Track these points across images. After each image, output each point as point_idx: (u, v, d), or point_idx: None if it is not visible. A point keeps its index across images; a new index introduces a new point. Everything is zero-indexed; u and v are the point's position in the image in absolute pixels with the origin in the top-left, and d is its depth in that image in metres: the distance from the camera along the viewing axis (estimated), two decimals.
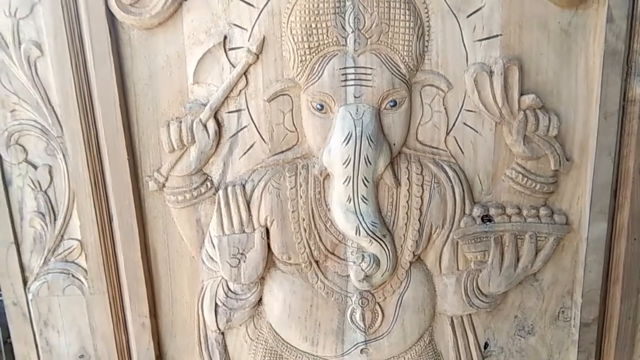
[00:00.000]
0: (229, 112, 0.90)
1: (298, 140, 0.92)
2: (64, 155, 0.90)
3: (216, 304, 0.97)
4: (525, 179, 0.91)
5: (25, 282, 0.96)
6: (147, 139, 0.92)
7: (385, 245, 0.92)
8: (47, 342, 0.99)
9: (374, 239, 0.91)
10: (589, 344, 0.99)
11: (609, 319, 0.99)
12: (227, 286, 0.96)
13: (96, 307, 0.97)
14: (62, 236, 0.94)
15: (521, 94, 0.88)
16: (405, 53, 0.85)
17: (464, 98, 0.89)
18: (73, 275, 0.96)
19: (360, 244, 0.92)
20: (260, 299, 0.99)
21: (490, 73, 0.87)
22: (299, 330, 0.98)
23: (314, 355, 1.00)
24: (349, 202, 0.89)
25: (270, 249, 0.95)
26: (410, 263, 0.95)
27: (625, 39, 0.86)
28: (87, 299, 0.97)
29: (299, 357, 1.00)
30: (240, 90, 0.89)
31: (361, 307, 0.96)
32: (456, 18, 0.85)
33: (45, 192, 0.92)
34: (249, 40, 0.86)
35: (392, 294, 0.97)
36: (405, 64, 0.86)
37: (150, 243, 0.96)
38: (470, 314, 0.99)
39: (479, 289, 0.96)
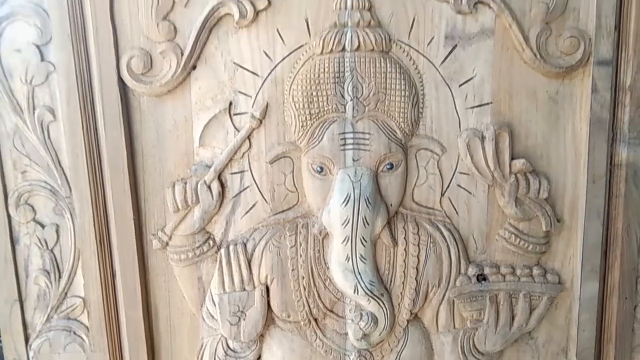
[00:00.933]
0: (232, 173, 0.95)
1: (298, 200, 0.96)
2: (71, 215, 0.94)
3: None
4: (518, 239, 0.96)
5: (27, 339, 0.98)
6: (152, 199, 0.96)
7: (383, 303, 0.95)
8: None
9: (372, 297, 0.94)
10: None
11: None
12: (227, 344, 0.99)
13: None
14: (65, 294, 0.97)
15: (512, 158, 0.93)
16: (401, 119, 0.91)
17: (458, 161, 0.94)
18: (75, 333, 0.98)
19: (358, 302, 0.95)
20: (259, 358, 1.01)
21: (482, 138, 0.93)
22: None
23: None
24: (348, 261, 0.93)
25: (270, 307, 0.97)
26: (408, 321, 0.98)
27: (610, 107, 0.92)
28: (87, 356, 0.99)
29: None
30: (244, 153, 0.94)
31: None
32: (449, 87, 0.91)
33: (52, 250, 0.96)
34: (253, 107, 0.92)
35: (390, 353, 0.99)
36: (401, 129, 0.91)
37: (152, 301, 0.99)
38: None
39: (475, 347, 0.99)
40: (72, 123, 0.91)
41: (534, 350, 1.01)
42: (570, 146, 0.95)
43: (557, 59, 0.90)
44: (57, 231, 0.95)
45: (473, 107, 0.93)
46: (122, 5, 0.88)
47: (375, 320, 0.95)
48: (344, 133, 0.91)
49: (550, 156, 0.95)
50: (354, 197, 0.91)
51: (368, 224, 0.92)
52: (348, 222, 0.91)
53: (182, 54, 0.89)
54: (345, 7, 0.87)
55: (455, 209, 0.96)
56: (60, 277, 0.96)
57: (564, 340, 1.01)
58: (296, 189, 0.96)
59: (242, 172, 0.95)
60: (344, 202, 0.91)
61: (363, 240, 0.93)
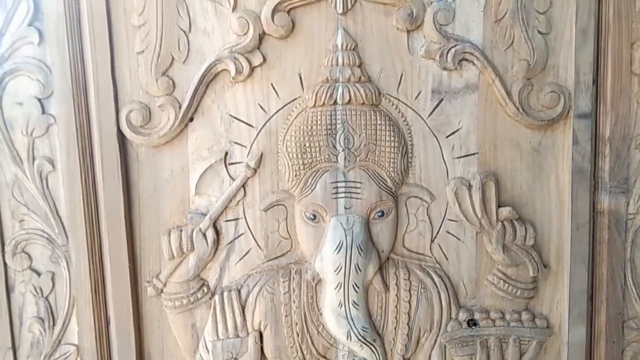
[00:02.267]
0: (227, 221, 0.99)
1: (292, 247, 1.00)
2: (67, 263, 0.97)
3: None
4: (507, 284, 1.00)
5: None
6: (148, 246, 1.00)
7: (376, 349, 0.98)
8: None
9: (365, 343, 0.97)
10: None
11: None
12: None
13: None
14: (59, 341, 1.00)
15: (498, 205, 0.99)
16: (391, 169, 0.96)
17: (446, 209, 0.99)
18: None
19: (351, 348, 0.98)
20: None
21: (469, 187, 0.98)
22: None
23: None
24: (340, 307, 0.96)
25: (264, 353, 1.00)
26: None
27: (591, 158, 0.98)
28: None
29: None
30: (239, 201, 0.99)
31: None
32: (436, 138, 0.97)
33: (47, 298, 0.99)
34: (247, 156, 0.97)
35: None
36: (391, 178, 0.96)
37: (146, 348, 1.02)
38: None
39: None
40: (70, 174, 0.96)
41: None
42: (554, 195, 1.00)
43: (538, 113, 0.96)
44: (53, 279, 0.98)
45: (460, 157, 0.98)
46: (123, 61, 0.94)
47: None
48: (336, 182, 0.96)
49: (535, 204, 1.00)
50: (346, 244, 0.95)
51: (360, 270, 0.96)
52: (340, 269, 0.95)
53: (180, 107, 0.94)
54: (337, 64, 0.94)
55: (445, 255, 1.01)
56: (54, 324, 0.99)
57: None
58: (290, 236, 1.00)
59: (236, 219, 0.99)
60: (336, 249, 0.95)
61: (355, 287, 0.96)
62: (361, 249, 0.95)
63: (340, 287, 0.96)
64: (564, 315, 1.02)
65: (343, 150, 0.96)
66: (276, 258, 1.00)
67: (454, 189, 0.98)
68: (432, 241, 1.01)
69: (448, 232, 1.00)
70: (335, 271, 0.96)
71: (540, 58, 0.95)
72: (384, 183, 0.97)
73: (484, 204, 0.98)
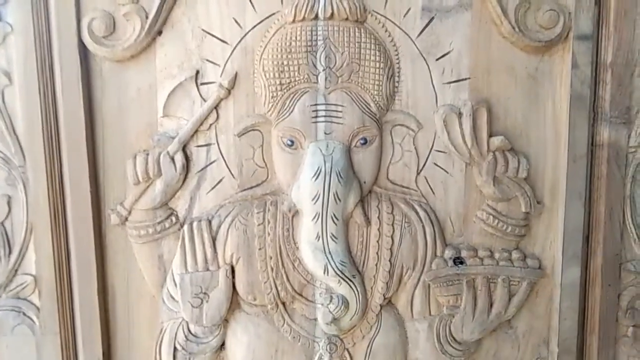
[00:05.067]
0: (198, 146, 0.97)
1: (267, 177, 0.98)
2: (24, 186, 0.95)
3: (175, 347, 1.00)
4: (497, 220, 0.98)
5: None
6: (112, 171, 0.98)
7: (355, 286, 0.96)
8: None
9: (343, 279, 0.95)
10: None
11: None
12: (188, 328, 1.00)
13: (47, 349, 0.99)
14: (16, 271, 0.98)
15: (490, 135, 0.96)
16: (375, 92, 0.93)
17: (434, 138, 0.98)
18: (24, 314, 0.98)
19: (328, 284, 0.97)
20: (223, 344, 1.00)
21: (459, 114, 0.96)
22: None
23: None
24: (318, 240, 0.94)
25: (235, 289, 0.98)
26: (381, 306, 1.00)
27: (591, 84, 0.96)
28: (37, 339, 0.99)
29: None
30: (211, 125, 0.96)
31: (329, 353, 0.99)
32: (425, 61, 0.95)
33: (2, 224, 0.97)
34: (221, 76, 0.95)
35: (362, 340, 1.00)
36: (376, 102, 0.93)
37: (109, 281, 1.00)
38: None
39: (452, 335, 1.01)
40: (28, 87, 0.93)
41: (514, 341, 1.03)
42: (550, 125, 0.98)
43: (536, 33, 0.94)
44: (9, 203, 0.96)
45: (450, 83, 0.96)
46: None
47: (346, 303, 0.96)
48: (315, 105, 0.93)
49: (529, 135, 0.99)
50: (325, 170, 0.92)
51: (339, 200, 0.93)
52: (318, 197, 0.93)
53: (146, 17, 0.92)
54: None
55: (431, 189, 0.99)
56: (10, 252, 0.97)
57: (545, 330, 1.03)
58: (265, 165, 0.97)
59: (208, 145, 0.97)
60: (314, 175, 0.92)
61: (334, 218, 0.94)
62: (341, 177, 0.93)
63: (318, 218, 0.94)
64: (557, 255, 1.00)
65: (324, 70, 0.93)
66: (251, 188, 0.98)
67: (443, 116, 0.96)
68: (418, 174, 0.98)
69: (435, 164, 0.98)
70: (312, 200, 0.93)
71: None
72: (367, 107, 0.94)
73: (475, 132, 0.96)
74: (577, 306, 1.01)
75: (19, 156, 0.95)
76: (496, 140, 0.96)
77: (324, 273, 0.95)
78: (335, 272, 0.95)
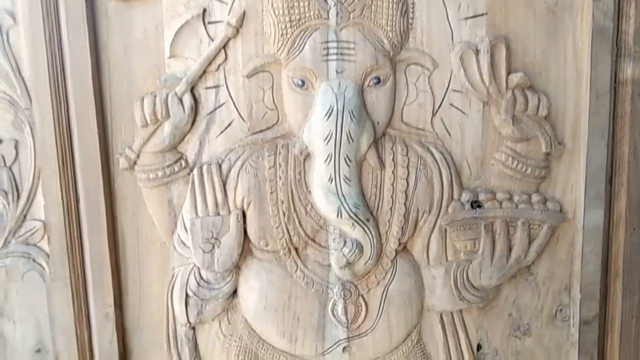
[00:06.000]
0: (206, 88, 0.96)
1: (278, 120, 0.97)
2: (31, 129, 0.95)
3: (187, 294, 0.99)
4: (516, 162, 0.96)
5: None
6: (119, 115, 0.97)
7: (369, 230, 0.94)
8: (1, 334, 1.00)
9: (357, 222, 0.93)
10: (590, 344, 1.01)
11: (611, 319, 1.02)
12: (200, 274, 0.99)
13: (57, 296, 0.99)
14: (24, 216, 0.98)
15: (508, 73, 0.93)
16: (388, 28, 0.91)
17: (450, 77, 0.96)
18: (34, 260, 0.99)
19: (342, 228, 0.96)
20: (235, 291, 1.00)
21: (477, 51, 0.94)
22: (276, 324, 0.99)
23: (292, 354, 1.02)
24: (330, 183, 0.93)
25: (247, 235, 0.97)
26: (396, 252, 0.99)
27: (614, 17, 0.94)
28: (47, 286, 0.99)
29: (276, 357, 1.02)
30: (219, 65, 0.95)
31: (343, 299, 0.98)
32: None
33: (10, 168, 0.97)
34: (229, 14, 0.94)
35: (377, 286, 0.99)
36: (389, 39, 0.92)
37: (119, 227, 1.00)
38: (461, 312, 1.02)
39: (469, 281, 0.99)
40: (33, 28, 0.93)
41: (534, 288, 1.02)
42: (571, 61, 0.96)
43: None
44: (16, 147, 0.97)
45: (467, 18, 0.94)
46: None
47: (360, 247, 0.95)
48: (326, 42, 0.92)
49: (549, 73, 0.96)
50: (337, 109, 0.91)
51: (352, 140, 0.91)
52: (330, 137, 0.91)
53: None
54: None
55: (447, 131, 0.97)
56: (19, 197, 0.97)
57: (567, 277, 1.01)
58: (276, 107, 0.96)
59: (217, 87, 0.96)
60: (326, 114, 0.91)
61: (347, 159, 0.92)
62: (354, 116, 0.91)
63: (330, 160, 0.92)
64: (579, 198, 0.98)
65: (335, 5, 0.91)
66: (261, 131, 0.97)
67: (460, 53, 0.93)
68: (433, 115, 0.97)
69: (452, 104, 0.96)
70: (325, 140, 0.92)
71: None
72: (380, 44, 0.92)
73: (493, 69, 0.94)
74: (600, 250, 0.99)
75: (25, 98, 0.95)
76: (515, 77, 0.94)
77: (337, 216, 0.94)
78: (348, 214, 0.94)
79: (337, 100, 0.92)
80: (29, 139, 0.95)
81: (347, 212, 0.94)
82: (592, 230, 0.98)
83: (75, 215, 0.97)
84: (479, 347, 1.04)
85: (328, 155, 0.93)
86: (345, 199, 0.94)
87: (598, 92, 0.95)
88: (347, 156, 0.93)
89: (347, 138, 0.92)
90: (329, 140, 0.92)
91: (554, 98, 0.96)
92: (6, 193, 0.97)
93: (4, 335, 1.00)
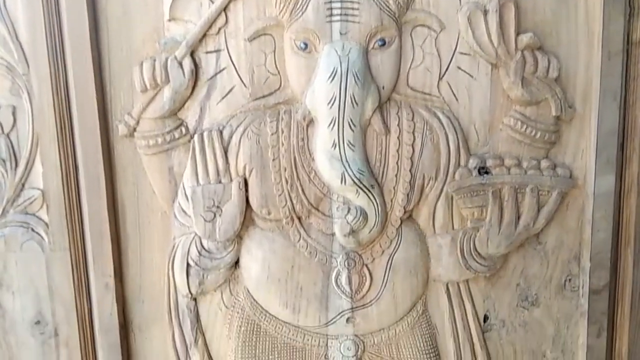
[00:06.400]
0: (207, 53, 0.94)
1: (280, 85, 0.95)
2: (29, 95, 0.94)
3: (188, 264, 0.98)
4: (525, 126, 0.94)
5: None
6: (118, 80, 0.96)
7: (374, 197, 0.93)
8: (1, 306, 0.98)
9: (361, 188, 0.92)
10: (600, 314, 0.99)
11: (622, 287, 1.00)
12: (201, 244, 0.98)
13: (56, 266, 0.98)
14: (23, 185, 0.97)
15: (517, 33, 0.91)
16: None
17: (458, 39, 0.94)
18: (33, 230, 0.98)
19: (346, 196, 0.94)
20: (237, 262, 0.98)
21: (485, 11, 0.91)
22: (278, 294, 0.98)
23: (295, 325, 1.00)
24: (334, 148, 0.91)
25: (249, 203, 0.95)
26: (401, 220, 0.97)
27: None
28: (46, 256, 0.98)
29: (279, 328, 1.00)
30: (220, 29, 0.93)
31: (347, 269, 0.96)
32: None
33: (8, 135, 0.95)
34: None
35: (381, 255, 0.97)
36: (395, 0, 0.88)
37: (119, 196, 0.99)
38: (467, 282, 1.01)
39: (476, 250, 0.97)
40: None
41: (543, 257, 1.00)
42: (582, 23, 0.94)
43: None
44: (14, 114, 0.95)
45: None
46: None
47: (364, 215, 0.93)
48: (330, 2, 0.90)
49: (560, 34, 0.94)
50: (341, 71, 0.89)
51: (357, 103, 0.89)
52: (334, 100, 0.89)
53: None
54: None
55: (454, 95, 0.95)
56: (17, 165, 0.96)
57: (576, 245, 0.99)
58: (278, 72, 0.95)
59: (217, 51, 0.94)
60: (330, 77, 0.89)
61: (351, 124, 0.90)
62: (358, 78, 0.89)
63: (334, 124, 0.90)
64: (590, 164, 0.96)
65: None
66: (263, 97, 0.95)
67: (467, 14, 0.91)
68: (440, 78, 0.94)
69: (459, 67, 0.94)
70: (328, 104, 0.90)
71: None
72: (385, 5, 0.90)
73: (502, 29, 0.91)
74: (611, 217, 0.96)
75: (23, 64, 0.93)
76: (525, 38, 0.91)
77: (341, 182, 0.92)
78: (352, 180, 0.92)
79: (341, 63, 0.90)
80: (27, 105, 0.93)
81: (351, 178, 0.92)
82: (603, 196, 0.96)
83: (74, 183, 0.95)
84: (485, 318, 1.02)
85: (332, 120, 0.91)
86: (349, 165, 0.92)
87: (610, 52, 0.92)
88: (351, 120, 0.91)
89: (351, 101, 0.90)
90: (332, 104, 0.90)
91: (565, 59, 0.94)
92: (4, 161, 0.95)
93: (3, 306, 0.99)
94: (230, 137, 0.95)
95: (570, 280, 1.01)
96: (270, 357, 1.01)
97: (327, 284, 0.98)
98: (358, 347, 1.01)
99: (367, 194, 0.94)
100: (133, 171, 0.97)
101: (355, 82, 0.90)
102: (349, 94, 0.90)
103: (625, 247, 0.98)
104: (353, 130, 0.92)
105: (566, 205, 0.98)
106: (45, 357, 1.00)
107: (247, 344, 1.01)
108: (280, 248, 0.98)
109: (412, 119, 0.95)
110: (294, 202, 0.96)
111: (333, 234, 0.97)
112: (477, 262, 0.97)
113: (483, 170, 0.96)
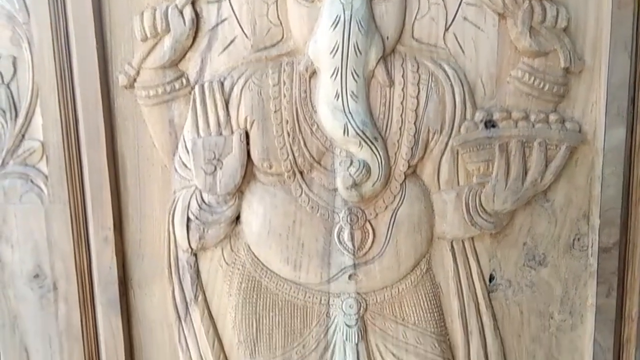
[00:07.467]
0: (208, 2, 0.94)
1: (283, 36, 0.94)
2: (29, 44, 0.93)
3: (188, 217, 0.97)
4: (533, 77, 0.92)
5: None
6: (119, 30, 0.96)
7: (377, 150, 0.92)
8: (0, 259, 0.97)
9: (364, 140, 0.91)
10: (609, 273, 0.96)
11: (632, 246, 0.98)
12: (201, 197, 0.97)
13: (55, 219, 0.98)
14: (23, 136, 0.97)
15: None
16: None
17: None
18: (32, 181, 0.97)
19: (349, 149, 0.93)
20: (238, 218, 0.97)
21: None
22: (279, 250, 0.97)
23: (296, 282, 0.99)
24: (337, 99, 0.90)
25: (250, 157, 0.94)
26: (405, 175, 0.96)
27: None
28: (46, 208, 0.98)
29: (280, 285, 0.99)
30: None
31: (350, 224, 0.95)
32: None
33: (8, 85, 0.95)
34: None
35: (385, 210, 0.96)
36: None
37: (119, 148, 0.99)
38: (473, 240, 0.99)
39: (482, 206, 0.96)
40: None
41: (550, 215, 0.98)
42: None
43: None
44: (14, 64, 0.95)
45: None
46: None
47: (367, 168, 0.92)
48: None
49: None
50: (345, 19, 0.88)
51: (360, 52, 0.88)
52: (337, 48, 0.88)
53: None
54: None
55: (461, 47, 0.94)
56: (17, 116, 0.96)
57: (585, 203, 0.97)
58: (280, 22, 0.94)
59: (219, 1, 0.93)
60: (332, 25, 0.88)
61: (354, 74, 0.89)
62: (361, 26, 0.88)
63: (337, 74, 0.90)
64: (600, 119, 0.94)
65: None
66: (265, 49, 0.94)
67: None
68: (446, 30, 0.93)
69: (465, 18, 0.93)
70: (331, 53, 0.89)
71: None
72: None
73: None
74: (621, 173, 0.94)
75: (24, 12, 0.92)
76: None
77: (344, 134, 0.91)
78: (355, 132, 0.91)
79: (344, 10, 0.88)
80: (27, 55, 0.93)
81: (354, 129, 0.91)
82: (613, 151, 0.94)
83: (74, 135, 0.95)
84: (491, 277, 1.01)
85: (334, 69, 0.90)
86: (352, 116, 0.91)
87: (620, 1, 0.90)
88: (355, 70, 0.90)
89: (355, 50, 0.89)
90: (335, 53, 0.89)
91: (574, 9, 0.92)
92: (4, 111, 0.95)
93: (3, 259, 0.99)
94: (232, 88, 0.94)
95: (579, 239, 0.99)
96: (270, 314, 1.01)
97: (329, 239, 0.97)
98: (360, 305, 1.00)
99: (370, 147, 0.92)
100: (133, 123, 0.97)
101: (359, 29, 0.88)
102: (352, 42, 0.89)
103: (636, 204, 0.96)
104: (356, 81, 0.91)
105: (575, 162, 0.96)
106: (44, 311, 1.00)
107: (247, 301, 1.01)
108: (281, 203, 0.97)
109: (417, 71, 0.93)
110: (296, 155, 0.95)
111: (335, 189, 0.96)
112: (482, 218, 0.95)
113: (490, 124, 0.94)
